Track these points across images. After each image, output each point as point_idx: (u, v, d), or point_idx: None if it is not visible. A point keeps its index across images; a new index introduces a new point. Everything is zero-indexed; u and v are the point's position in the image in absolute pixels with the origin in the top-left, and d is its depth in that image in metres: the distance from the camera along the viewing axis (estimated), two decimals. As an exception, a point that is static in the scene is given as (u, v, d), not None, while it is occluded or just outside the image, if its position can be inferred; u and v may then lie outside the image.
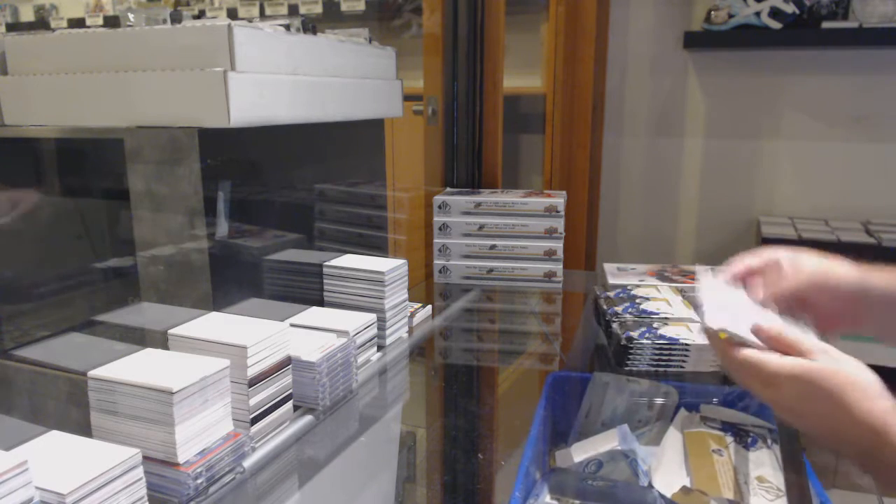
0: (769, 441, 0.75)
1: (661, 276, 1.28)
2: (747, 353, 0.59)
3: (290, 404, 0.78)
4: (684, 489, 0.67)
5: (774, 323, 0.60)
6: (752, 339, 0.60)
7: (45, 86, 0.88)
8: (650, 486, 0.68)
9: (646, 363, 0.94)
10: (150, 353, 0.69)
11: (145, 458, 0.59)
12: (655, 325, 0.99)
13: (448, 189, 1.55)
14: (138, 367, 0.65)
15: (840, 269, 0.67)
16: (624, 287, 1.17)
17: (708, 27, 2.02)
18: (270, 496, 0.69)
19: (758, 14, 1.95)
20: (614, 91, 2.27)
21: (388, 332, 1.01)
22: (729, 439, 0.75)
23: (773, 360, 0.57)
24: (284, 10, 2.70)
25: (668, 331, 0.97)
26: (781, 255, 0.69)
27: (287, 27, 0.93)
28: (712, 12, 2.01)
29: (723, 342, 0.61)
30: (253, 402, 0.72)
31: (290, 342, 0.77)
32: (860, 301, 0.66)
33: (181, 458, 0.62)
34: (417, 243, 1.54)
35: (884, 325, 0.68)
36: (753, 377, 0.58)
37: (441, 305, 1.27)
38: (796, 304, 0.67)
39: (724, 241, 2.25)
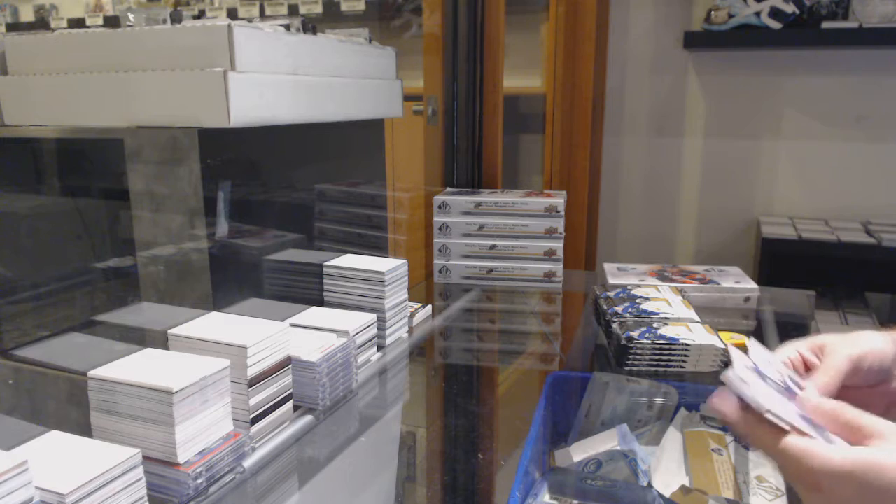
0: (769, 441, 0.75)
1: (661, 276, 1.28)
2: (789, 441, 0.44)
3: (290, 404, 0.78)
4: (684, 489, 0.67)
5: (827, 399, 0.47)
6: (802, 425, 0.46)
7: (45, 86, 0.88)
8: (649, 485, 0.68)
9: (646, 363, 0.94)
10: (150, 353, 0.70)
11: (145, 458, 0.59)
12: (655, 325, 0.99)
13: (448, 189, 1.55)
14: (138, 367, 0.65)
15: (876, 345, 0.55)
16: (624, 287, 1.17)
17: (708, 27, 2.02)
18: (270, 496, 0.69)
19: (758, 14, 1.95)
20: (614, 91, 2.27)
21: (388, 332, 1.01)
22: (729, 439, 0.76)
23: (819, 452, 0.43)
24: (284, 10, 2.69)
25: (668, 331, 0.97)
26: (828, 340, 0.57)
27: (287, 27, 0.93)
28: (712, 12, 2.01)
29: (760, 426, 0.46)
30: (253, 402, 0.72)
31: (290, 342, 0.77)
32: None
33: (181, 458, 0.62)
34: (417, 243, 1.54)
35: None
36: (794, 475, 0.45)
37: (441, 305, 1.27)
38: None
39: (724, 241, 2.25)
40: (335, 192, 1.16)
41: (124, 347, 0.70)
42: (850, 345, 0.55)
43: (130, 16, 0.89)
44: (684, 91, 2.22)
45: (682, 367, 0.94)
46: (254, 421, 0.72)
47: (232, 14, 2.84)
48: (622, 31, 2.24)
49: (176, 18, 0.87)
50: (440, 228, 1.39)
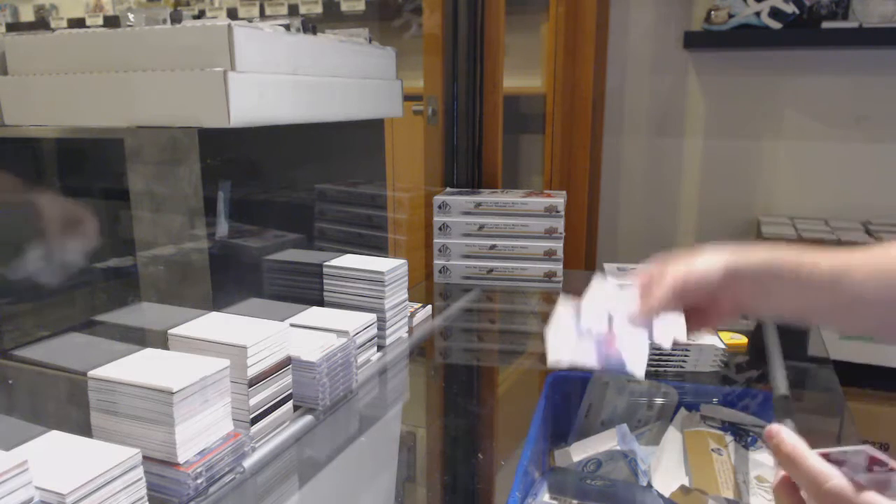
0: (769, 441, 0.75)
1: (661, 276, 1.28)
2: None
3: (290, 404, 0.78)
4: (683, 488, 0.67)
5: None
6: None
7: (45, 86, 0.88)
8: (649, 485, 0.68)
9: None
10: (150, 353, 0.70)
11: (145, 458, 0.59)
12: (655, 324, 0.99)
13: (448, 189, 1.55)
14: (138, 367, 0.65)
15: (706, 261, 0.63)
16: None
17: (708, 27, 2.02)
18: (270, 496, 0.69)
19: (758, 14, 1.95)
20: (614, 91, 2.27)
21: (388, 332, 1.01)
22: (728, 438, 0.76)
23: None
24: (284, 10, 2.69)
25: (668, 331, 0.97)
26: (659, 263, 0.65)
27: (287, 27, 0.93)
28: (712, 12, 2.01)
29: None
30: (253, 402, 0.72)
31: (290, 342, 0.77)
32: (729, 286, 0.62)
33: (181, 458, 0.63)
34: (417, 243, 1.54)
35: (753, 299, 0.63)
36: None
37: (441, 305, 1.27)
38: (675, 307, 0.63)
39: (724, 241, 2.24)
40: (335, 192, 1.16)
41: (124, 347, 0.70)
42: (680, 266, 0.63)
43: (130, 16, 0.89)
44: (684, 91, 2.22)
45: (681, 366, 0.94)
46: (254, 421, 0.72)
47: (232, 14, 2.84)
48: (622, 31, 2.24)
49: (176, 18, 0.87)
50: (440, 228, 1.38)
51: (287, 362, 0.77)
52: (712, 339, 0.94)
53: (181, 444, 0.62)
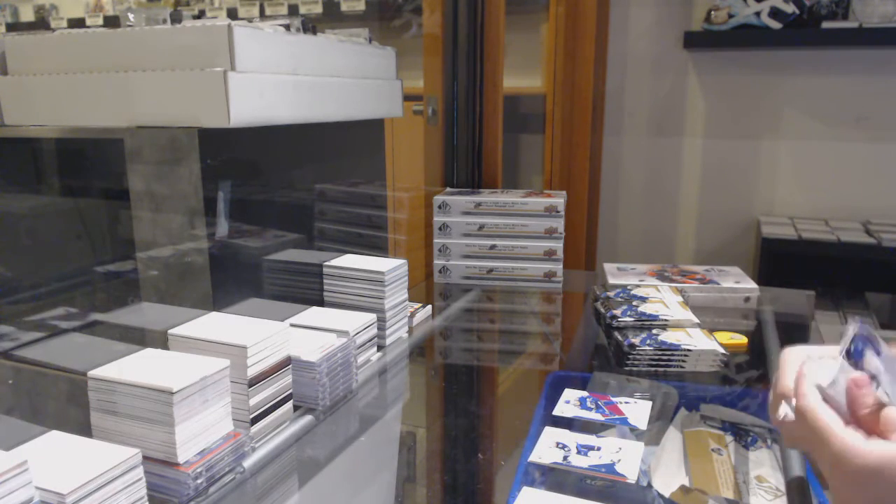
0: (769, 441, 0.75)
1: (662, 276, 1.28)
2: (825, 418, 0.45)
3: (290, 404, 0.78)
4: (683, 488, 0.67)
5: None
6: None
7: (45, 86, 0.88)
8: (649, 485, 0.68)
9: (645, 364, 0.94)
10: (150, 353, 0.70)
11: (145, 458, 0.59)
12: (655, 331, 0.99)
13: (448, 189, 1.55)
14: (138, 367, 0.65)
15: None
16: (624, 287, 1.17)
17: (708, 27, 2.02)
18: (270, 496, 0.69)
19: (758, 14, 1.95)
20: (614, 91, 2.27)
21: (388, 332, 1.01)
22: (729, 438, 0.76)
23: (858, 444, 0.43)
24: (284, 10, 2.70)
25: (669, 336, 0.97)
26: None
27: (287, 27, 0.93)
28: (712, 12, 2.01)
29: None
30: (253, 402, 0.72)
31: (290, 342, 0.77)
32: None
33: (181, 458, 0.63)
34: (417, 243, 1.54)
35: None
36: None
37: (441, 305, 1.27)
38: None
39: (724, 241, 2.25)
40: (335, 192, 1.16)
41: (124, 347, 0.70)
42: None
43: (130, 16, 0.89)
44: (684, 91, 2.22)
45: (681, 366, 0.94)
46: (254, 421, 0.72)
47: (232, 14, 2.84)
48: (622, 31, 2.24)
49: (176, 18, 0.87)
50: (440, 228, 1.38)
51: (287, 362, 0.77)
52: (711, 345, 0.94)
53: (181, 444, 0.62)
